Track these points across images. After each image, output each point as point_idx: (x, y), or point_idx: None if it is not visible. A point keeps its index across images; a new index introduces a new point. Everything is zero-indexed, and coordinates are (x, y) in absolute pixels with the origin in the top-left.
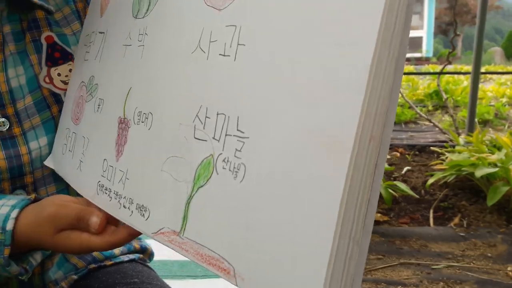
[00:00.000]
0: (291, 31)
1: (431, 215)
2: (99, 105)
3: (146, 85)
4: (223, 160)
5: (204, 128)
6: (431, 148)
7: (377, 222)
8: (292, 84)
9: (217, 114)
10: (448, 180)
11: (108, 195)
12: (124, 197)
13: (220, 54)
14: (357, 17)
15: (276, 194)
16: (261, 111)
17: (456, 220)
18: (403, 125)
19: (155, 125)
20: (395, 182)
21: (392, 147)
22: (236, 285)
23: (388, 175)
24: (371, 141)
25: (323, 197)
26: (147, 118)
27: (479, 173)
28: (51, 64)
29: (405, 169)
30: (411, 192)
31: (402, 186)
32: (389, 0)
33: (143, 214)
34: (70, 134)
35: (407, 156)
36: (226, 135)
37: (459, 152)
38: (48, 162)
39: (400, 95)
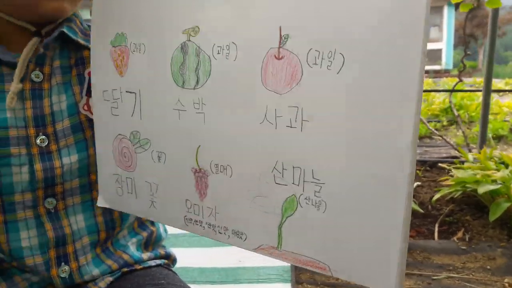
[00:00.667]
0: (347, 109)
1: (436, 229)
2: (159, 157)
3: (218, 145)
4: (305, 198)
5: (283, 177)
6: (442, 164)
7: None
8: (354, 144)
9: (293, 167)
10: (455, 196)
11: (200, 225)
12: (218, 226)
13: (287, 126)
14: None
15: (354, 217)
16: (331, 164)
17: (460, 234)
18: (417, 140)
19: (236, 174)
20: None
21: None
22: (332, 276)
23: None
24: (411, 175)
25: (388, 219)
26: (226, 169)
27: (481, 190)
28: (89, 95)
29: (415, 184)
30: (417, 208)
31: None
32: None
33: (241, 237)
34: (124, 179)
35: (417, 171)
36: (304, 181)
37: (466, 169)
38: (101, 203)
39: None
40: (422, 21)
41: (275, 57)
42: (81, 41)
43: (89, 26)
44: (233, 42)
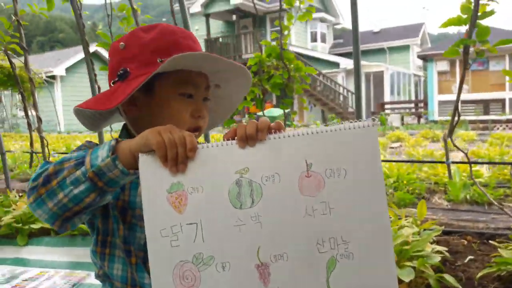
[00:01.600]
0: (353, 196)
1: None
2: (223, 267)
3: (274, 240)
4: (340, 255)
5: (323, 247)
6: (500, 237)
7: None
8: (360, 214)
9: (329, 238)
10: (502, 274)
11: None
12: None
13: (321, 214)
14: None
15: (372, 254)
16: (351, 229)
17: None
18: (486, 207)
19: (291, 257)
20: (444, 275)
21: (462, 234)
22: None
23: (451, 263)
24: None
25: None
26: (282, 256)
27: None
28: None
29: (468, 258)
30: (455, 284)
31: (450, 279)
32: None
33: None
34: None
35: (473, 244)
36: (337, 245)
37: None
38: None
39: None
40: (377, 151)
41: (306, 176)
42: None
43: None
44: (276, 173)
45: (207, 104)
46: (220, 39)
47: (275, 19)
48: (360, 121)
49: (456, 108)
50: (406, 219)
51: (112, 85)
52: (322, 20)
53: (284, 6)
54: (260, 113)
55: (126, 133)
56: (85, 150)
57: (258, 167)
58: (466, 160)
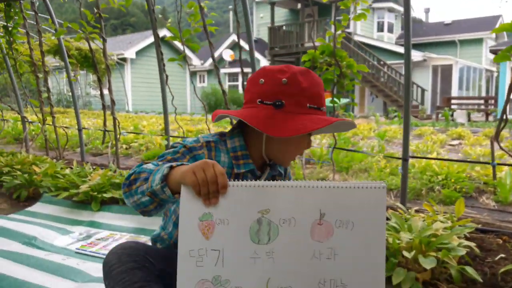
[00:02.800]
0: (358, 246)
1: None
2: None
3: (283, 275)
4: None
5: (324, 286)
6: None
7: None
8: (359, 260)
9: (330, 280)
10: None
11: None
12: None
13: (326, 258)
14: None
15: None
16: (349, 274)
17: None
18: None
19: None
20: (466, 267)
21: (499, 233)
22: None
23: (480, 259)
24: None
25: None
26: None
27: None
28: None
29: (499, 256)
30: (475, 276)
31: (471, 271)
32: None
33: None
34: None
35: (507, 244)
36: (336, 286)
37: None
38: None
39: None
40: (383, 210)
41: (318, 223)
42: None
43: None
44: (293, 217)
45: None
46: (284, 27)
47: (340, 8)
48: (371, 182)
49: (504, 111)
50: (443, 215)
51: (258, 103)
52: (390, 10)
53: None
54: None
55: (239, 132)
56: (176, 151)
57: (278, 210)
58: None
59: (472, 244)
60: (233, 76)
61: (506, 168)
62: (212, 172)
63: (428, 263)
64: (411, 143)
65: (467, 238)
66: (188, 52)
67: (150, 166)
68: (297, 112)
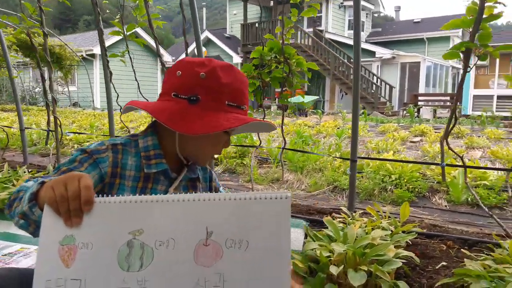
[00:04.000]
0: (252, 270)
1: None
2: None
3: None
4: None
5: None
6: (489, 244)
7: None
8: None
9: None
10: (465, 285)
11: None
12: None
13: (213, 286)
14: None
15: None
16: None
17: None
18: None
19: None
20: (399, 282)
21: (444, 239)
22: None
23: (421, 269)
24: None
25: None
26: None
27: (473, 287)
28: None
29: (440, 264)
30: None
31: (403, 286)
32: None
33: None
34: None
35: (451, 250)
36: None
37: (484, 259)
38: None
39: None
40: (287, 225)
41: (204, 244)
42: (201, 176)
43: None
44: (172, 238)
45: None
46: (256, 24)
47: (311, 7)
48: (273, 193)
49: (454, 111)
50: (387, 220)
51: (173, 96)
52: (361, 8)
53: None
54: (291, 99)
55: (153, 131)
56: (72, 160)
57: (154, 230)
58: (462, 163)
59: (411, 254)
60: None
61: (462, 169)
62: (76, 186)
63: (357, 279)
64: (371, 140)
65: (409, 245)
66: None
67: (30, 183)
68: (213, 108)
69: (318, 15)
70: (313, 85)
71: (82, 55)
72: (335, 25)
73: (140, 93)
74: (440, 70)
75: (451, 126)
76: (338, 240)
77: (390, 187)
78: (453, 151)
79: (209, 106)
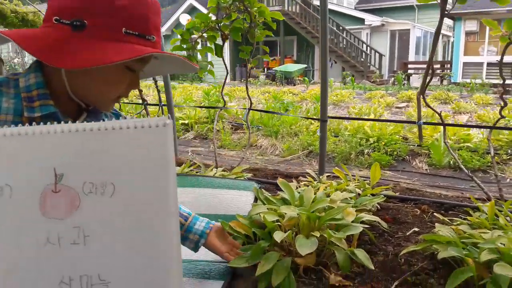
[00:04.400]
0: (121, 222)
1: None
2: None
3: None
4: None
5: (70, 287)
6: (466, 208)
7: (332, 287)
8: (130, 245)
9: (80, 276)
10: (435, 253)
11: None
12: None
13: (71, 244)
14: None
15: None
16: (114, 265)
17: None
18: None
19: None
20: (356, 250)
21: (418, 203)
22: None
23: (390, 235)
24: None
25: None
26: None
27: (441, 254)
28: None
29: (412, 230)
30: (366, 264)
31: (361, 256)
32: None
33: None
34: None
35: (424, 215)
36: (92, 285)
37: (458, 223)
38: None
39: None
40: (168, 160)
41: (53, 191)
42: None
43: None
44: (6, 184)
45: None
46: None
47: None
48: (147, 120)
49: (428, 66)
50: (357, 182)
51: (55, 22)
52: None
53: None
54: (277, 68)
55: (37, 67)
56: None
57: None
58: (441, 121)
59: (377, 218)
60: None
61: (442, 129)
62: None
63: (306, 247)
64: (354, 106)
65: (379, 210)
66: None
67: None
68: (102, 37)
69: None
70: (302, 54)
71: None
72: None
73: None
74: (430, 38)
75: (427, 80)
76: (293, 204)
77: (367, 151)
78: (429, 106)
79: (97, 34)
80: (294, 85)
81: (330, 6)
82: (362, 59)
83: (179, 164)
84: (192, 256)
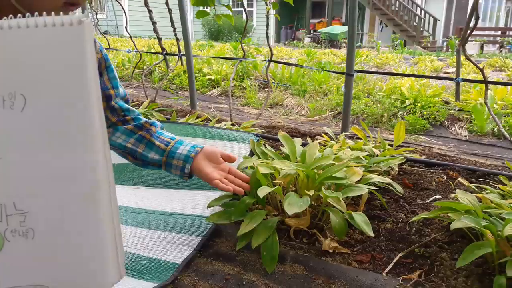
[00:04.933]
0: (36, 140)
1: (394, 260)
2: None
3: None
4: (11, 231)
5: None
6: (500, 176)
7: (325, 253)
8: (48, 169)
9: None
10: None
11: None
12: None
13: None
14: None
15: (63, 234)
16: (31, 192)
17: (415, 275)
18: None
19: None
20: (354, 214)
21: (447, 169)
22: None
23: (407, 201)
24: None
25: (92, 231)
26: None
27: (453, 225)
28: None
29: (432, 198)
30: (365, 229)
31: (358, 219)
32: None
33: None
34: None
35: (450, 182)
36: (7, 216)
37: (484, 191)
38: None
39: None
40: (87, 65)
41: None
42: None
43: None
44: None
45: None
46: None
47: None
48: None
49: (473, 10)
50: (378, 143)
51: None
52: None
53: None
54: (322, 29)
55: None
56: None
57: None
58: (483, 78)
59: (388, 180)
60: (237, 1)
61: (490, 92)
62: None
63: (295, 206)
64: (397, 69)
65: (400, 174)
66: None
67: None
68: None
69: None
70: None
71: None
72: None
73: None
74: (493, 3)
75: (469, 29)
76: (293, 160)
77: (401, 113)
78: (469, 59)
79: None
80: (340, 48)
81: None
82: (415, 24)
83: (197, 117)
84: (175, 209)
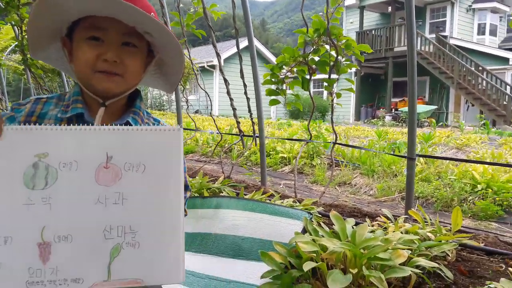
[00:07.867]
0: (148, 190)
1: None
2: (6, 240)
3: (61, 222)
4: (126, 243)
5: (110, 233)
6: None
7: None
8: (151, 207)
9: (117, 226)
10: None
11: (42, 284)
12: (59, 279)
13: (113, 203)
14: None
15: (156, 246)
16: (140, 220)
17: None
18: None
19: (76, 239)
20: None
21: (506, 257)
22: (143, 285)
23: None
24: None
25: (173, 242)
26: (67, 238)
27: None
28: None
29: (486, 286)
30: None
31: None
32: None
33: (78, 281)
34: None
35: (509, 271)
36: (125, 233)
37: None
38: None
39: None
40: (177, 153)
41: (104, 167)
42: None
43: (149, 115)
44: (74, 160)
45: (130, 49)
46: (373, 31)
47: (435, 10)
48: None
49: None
50: (433, 227)
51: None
52: (493, 10)
53: None
54: (403, 109)
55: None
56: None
57: (58, 153)
58: None
59: (434, 264)
60: (317, 83)
61: None
62: None
63: (338, 283)
64: (477, 151)
65: (458, 261)
66: (270, 56)
67: None
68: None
69: (442, 19)
70: (434, 95)
71: (203, 65)
72: (462, 30)
73: (245, 94)
74: None
75: None
76: (343, 239)
77: (472, 198)
78: None
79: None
80: (422, 127)
81: (469, 45)
82: (504, 103)
83: (263, 193)
84: (234, 277)
